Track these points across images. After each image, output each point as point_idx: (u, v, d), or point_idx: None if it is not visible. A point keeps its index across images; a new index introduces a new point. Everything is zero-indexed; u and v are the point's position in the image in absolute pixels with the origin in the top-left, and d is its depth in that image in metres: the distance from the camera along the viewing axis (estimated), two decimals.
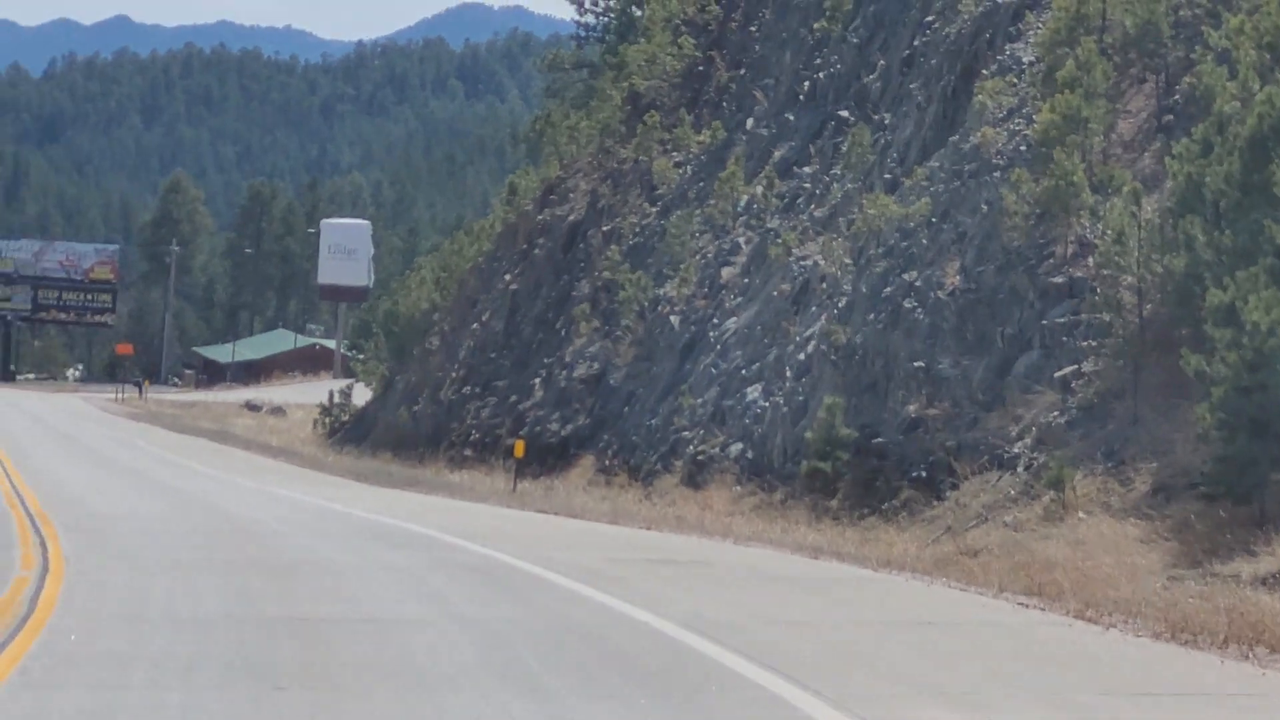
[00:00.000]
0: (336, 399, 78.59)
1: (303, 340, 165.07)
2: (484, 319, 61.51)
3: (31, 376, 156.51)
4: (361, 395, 78.45)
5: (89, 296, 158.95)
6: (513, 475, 44.87)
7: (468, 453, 53.85)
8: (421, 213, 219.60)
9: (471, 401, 56.89)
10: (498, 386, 55.80)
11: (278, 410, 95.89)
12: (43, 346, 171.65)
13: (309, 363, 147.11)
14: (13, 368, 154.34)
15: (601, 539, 27.67)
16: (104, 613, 16.11)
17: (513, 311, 59.42)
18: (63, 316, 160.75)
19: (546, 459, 47.20)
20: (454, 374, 60.55)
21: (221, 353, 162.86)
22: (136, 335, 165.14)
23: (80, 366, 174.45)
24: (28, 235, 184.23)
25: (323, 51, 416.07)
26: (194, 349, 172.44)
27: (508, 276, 62.00)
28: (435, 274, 74.40)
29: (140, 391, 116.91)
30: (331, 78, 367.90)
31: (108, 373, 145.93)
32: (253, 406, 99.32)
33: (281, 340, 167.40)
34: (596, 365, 48.99)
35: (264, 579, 19.30)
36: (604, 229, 55.46)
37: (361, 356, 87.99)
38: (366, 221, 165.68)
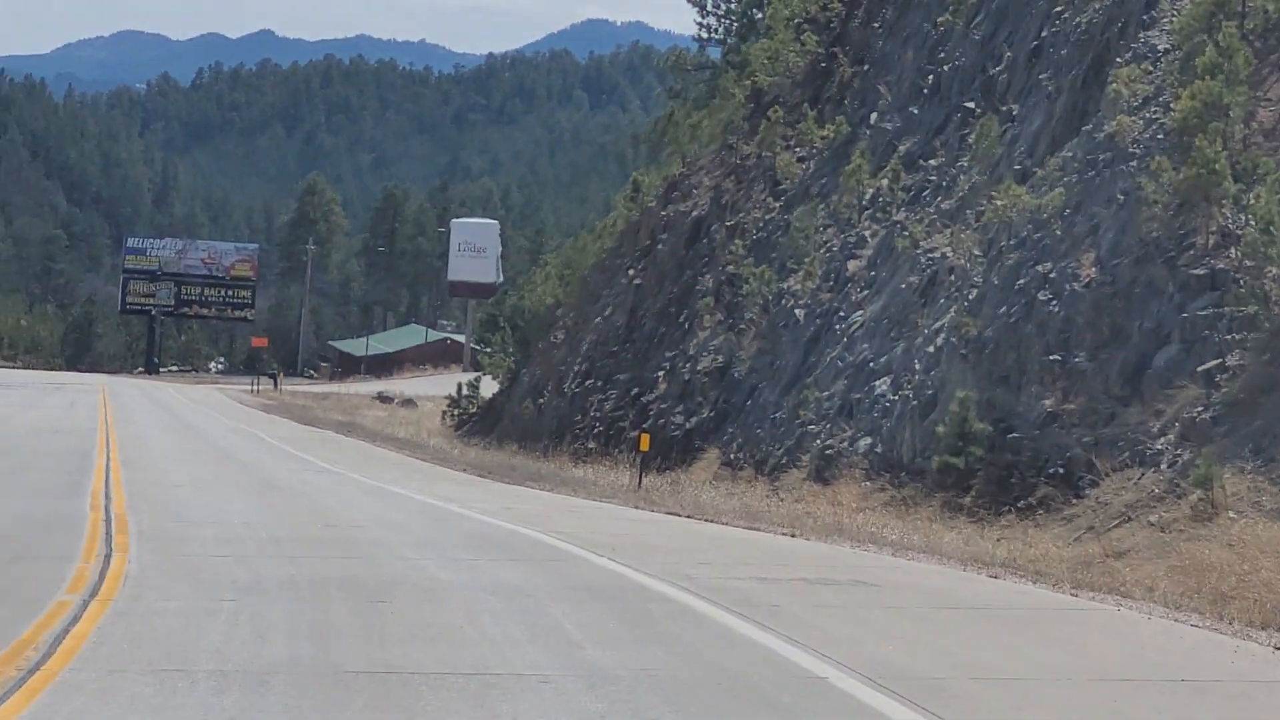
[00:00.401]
0: (464, 391, 77.11)
1: (434, 335, 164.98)
2: (606, 313, 59.70)
3: (175, 369, 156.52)
4: (489, 388, 76.98)
5: (229, 293, 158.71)
6: (638, 471, 41.97)
7: (591, 445, 51.88)
8: (547, 216, 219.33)
9: (594, 394, 55.06)
10: (619, 379, 53.94)
11: (409, 402, 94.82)
12: (186, 340, 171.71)
13: (440, 356, 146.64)
14: (156, 360, 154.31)
15: (743, 549, 23.71)
16: (135, 662, 12.53)
17: (635, 306, 57.56)
18: (204, 312, 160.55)
19: (670, 452, 44.89)
20: (577, 367, 58.81)
21: (356, 346, 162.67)
22: (275, 330, 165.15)
23: (222, 359, 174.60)
24: (175, 235, 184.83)
25: (455, 64, 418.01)
26: (330, 343, 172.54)
27: (630, 271, 60.11)
28: (559, 270, 72.93)
29: (275, 383, 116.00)
30: (463, 88, 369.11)
31: (248, 365, 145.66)
32: (384, 398, 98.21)
33: (413, 335, 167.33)
34: (720, 358, 46.84)
35: (350, 606, 15.87)
36: (727, 224, 53.37)
37: (489, 350, 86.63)
38: (494, 221, 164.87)
